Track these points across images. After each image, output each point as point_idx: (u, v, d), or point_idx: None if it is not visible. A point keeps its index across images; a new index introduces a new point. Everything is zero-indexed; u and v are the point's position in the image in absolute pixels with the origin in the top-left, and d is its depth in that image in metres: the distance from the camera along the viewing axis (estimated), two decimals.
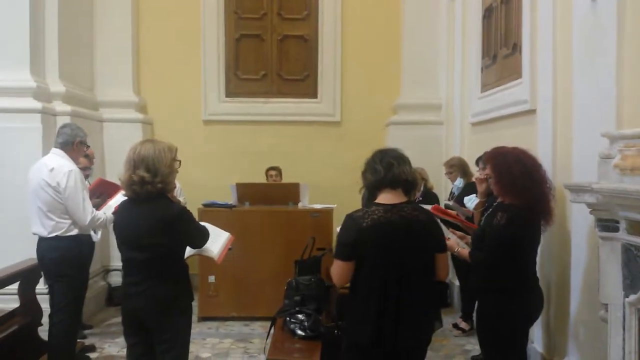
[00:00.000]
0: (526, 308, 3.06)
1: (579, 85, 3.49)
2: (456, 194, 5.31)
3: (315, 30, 7.33)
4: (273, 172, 6.64)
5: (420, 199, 5.75)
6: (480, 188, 4.28)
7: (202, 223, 3.41)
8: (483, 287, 3.11)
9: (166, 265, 2.78)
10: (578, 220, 3.46)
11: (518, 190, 2.99)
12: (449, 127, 6.82)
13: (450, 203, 4.99)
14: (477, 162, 4.79)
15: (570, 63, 3.62)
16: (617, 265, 2.70)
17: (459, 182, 5.38)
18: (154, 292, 2.78)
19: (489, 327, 3.06)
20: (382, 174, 2.65)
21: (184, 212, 2.85)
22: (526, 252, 3.05)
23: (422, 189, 5.94)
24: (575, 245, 3.55)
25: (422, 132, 6.94)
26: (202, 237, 3.00)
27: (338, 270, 2.64)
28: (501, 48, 5.21)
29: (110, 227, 3.91)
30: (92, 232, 4.51)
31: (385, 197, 2.65)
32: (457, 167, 5.44)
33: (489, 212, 3.21)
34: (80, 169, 4.13)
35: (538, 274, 3.23)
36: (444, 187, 6.46)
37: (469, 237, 3.51)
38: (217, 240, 3.31)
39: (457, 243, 3.34)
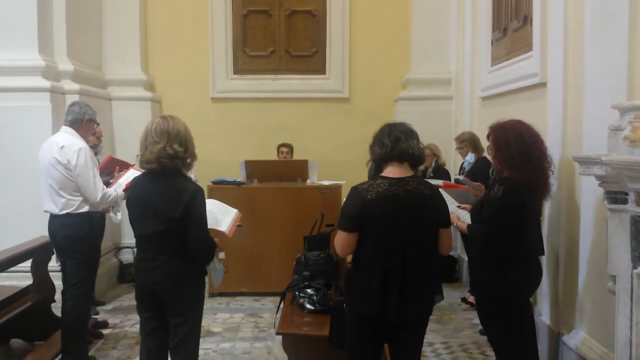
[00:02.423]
0: (522, 279, 3.07)
1: (591, 57, 3.43)
2: (467, 169, 5.27)
3: (324, 5, 7.24)
4: (285, 149, 6.63)
5: (432, 174, 5.74)
6: None
7: (211, 200, 3.44)
8: (480, 259, 3.13)
9: (180, 240, 2.77)
10: (587, 193, 3.45)
11: (515, 165, 2.99)
12: (458, 102, 6.75)
13: (461, 178, 4.97)
14: (488, 137, 4.75)
15: (582, 34, 3.56)
16: (626, 237, 2.69)
17: (470, 157, 5.34)
18: (168, 267, 2.79)
19: (486, 298, 3.10)
20: (389, 147, 2.64)
21: (201, 191, 2.83)
22: (522, 224, 3.05)
23: (433, 164, 5.92)
24: (584, 217, 3.53)
25: (432, 107, 6.89)
26: (204, 225, 2.89)
27: (341, 241, 2.66)
28: (512, 20, 5.12)
29: (122, 204, 3.95)
30: (111, 214, 4.53)
31: (392, 171, 2.65)
32: (468, 142, 5.39)
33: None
34: (89, 146, 4.14)
35: (546, 246, 3.23)
36: (453, 162, 6.43)
37: None
38: (227, 217, 3.32)
39: (457, 217, 3.35)
